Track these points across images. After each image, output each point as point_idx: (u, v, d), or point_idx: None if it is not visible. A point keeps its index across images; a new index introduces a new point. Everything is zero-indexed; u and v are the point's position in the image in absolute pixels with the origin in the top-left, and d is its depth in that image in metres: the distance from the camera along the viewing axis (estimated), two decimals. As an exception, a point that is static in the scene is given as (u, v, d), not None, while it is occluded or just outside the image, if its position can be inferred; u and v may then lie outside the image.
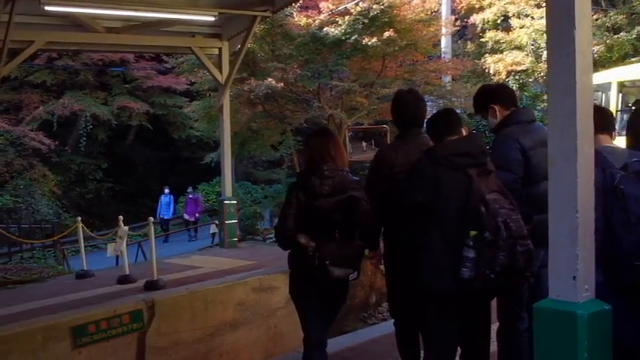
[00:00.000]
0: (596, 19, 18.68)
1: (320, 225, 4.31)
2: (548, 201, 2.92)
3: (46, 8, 9.71)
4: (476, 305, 3.90)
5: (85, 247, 12.00)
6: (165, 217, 25.63)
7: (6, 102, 26.12)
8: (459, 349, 4.08)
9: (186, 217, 25.82)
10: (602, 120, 3.51)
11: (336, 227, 4.36)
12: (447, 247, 3.67)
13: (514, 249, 3.56)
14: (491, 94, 4.49)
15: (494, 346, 4.26)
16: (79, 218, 11.91)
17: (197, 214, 25.89)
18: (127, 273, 9.95)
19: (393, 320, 4.81)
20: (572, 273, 2.79)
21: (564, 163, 2.84)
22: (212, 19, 11.28)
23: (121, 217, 10.44)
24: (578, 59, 2.82)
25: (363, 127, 16.06)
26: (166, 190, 25.34)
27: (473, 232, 3.56)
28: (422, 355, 4.37)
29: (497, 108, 4.32)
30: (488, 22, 21.39)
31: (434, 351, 4.04)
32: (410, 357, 4.61)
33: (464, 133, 3.98)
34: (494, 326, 4.27)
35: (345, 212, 4.31)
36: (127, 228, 10.49)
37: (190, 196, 25.20)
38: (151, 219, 10.10)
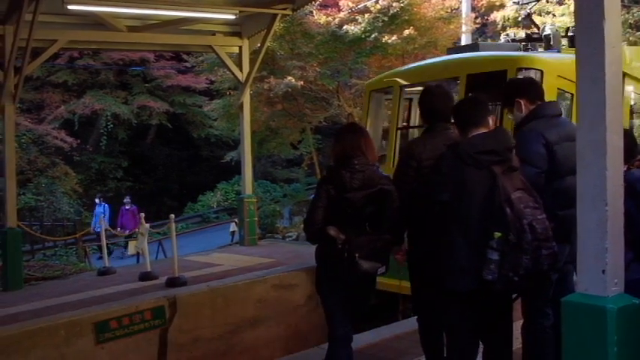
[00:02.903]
0: (619, 16, 18.45)
1: (350, 218, 4.31)
2: (577, 194, 2.88)
3: (69, 7, 9.80)
4: (498, 303, 3.87)
5: (106, 244, 12.11)
6: (98, 230, 20.80)
7: (28, 101, 26.39)
8: (481, 344, 4.06)
9: (118, 230, 18.99)
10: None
11: (366, 220, 4.35)
12: (470, 247, 3.63)
13: (539, 252, 3.52)
14: (517, 88, 4.46)
15: (518, 343, 4.23)
16: (103, 216, 12.01)
17: (131, 229, 19.33)
18: (149, 270, 10.01)
19: (415, 317, 4.78)
20: (602, 267, 2.76)
21: (593, 156, 2.81)
22: (232, 17, 11.32)
23: (142, 215, 10.51)
24: (607, 51, 2.78)
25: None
26: (97, 200, 21.50)
27: (497, 234, 3.52)
28: (445, 351, 4.35)
29: (522, 102, 4.28)
30: (508, 19, 21.23)
31: (456, 348, 4.02)
32: (433, 354, 4.58)
33: (491, 123, 3.94)
34: (519, 323, 4.24)
35: (375, 205, 4.30)
36: (148, 225, 10.56)
37: (127, 207, 21.01)
38: (172, 216, 10.16)
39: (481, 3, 22.27)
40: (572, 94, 7.50)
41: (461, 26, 18.53)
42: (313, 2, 13.89)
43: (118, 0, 10.57)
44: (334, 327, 4.51)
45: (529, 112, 4.24)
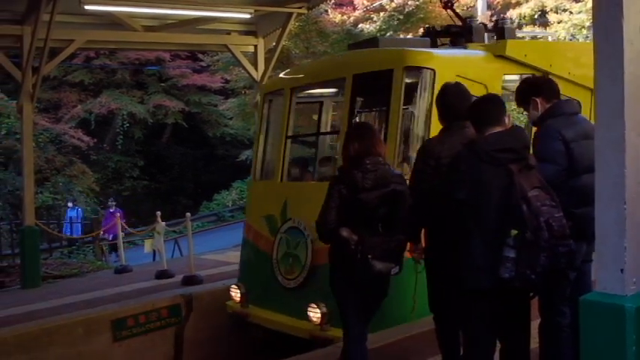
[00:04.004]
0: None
1: (363, 218, 4.31)
2: (595, 192, 2.86)
3: (86, 7, 9.88)
4: (516, 301, 3.85)
5: (122, 242, 12.19)
6: (68, 233, 19.60)
7: (45, 101, 26.61)
8: (498, 343, 4.04)
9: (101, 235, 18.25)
10: None
11: (379, 221, 4.34)
12: (486, 245, 3.62)
13: (556, 250, 3.50)
14: (533, 87, 4.42)
15: (535, 342, 4.21)
16: (119, 215, 12.09)
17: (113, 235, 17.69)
18: (165, 268, 10.07)
19: (432, 316, 4.77)
20: (620, 265, 2.74)
21: (611, 153, 2.78)
22: (248, 16, 11.35)
23: (158, 213, 10.58)
24: (626, 48, 2.76)
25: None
26: (70, 204, 20.40)
27: (514, 232, 3.51)
28: (462, 350, 4.33)
29: (539, 100, 4.25)
30: (525, 17, 21.12)
31: (473, 347, 4.00)
32: (450, 353, 4.57)
33: (507, 122, 3.92)
34: (536, 322, 4.22)
35: (389, 206, 4.29)
36: (164, 224, 10.62)
37: (111, 210, 19.29)
38: (188, 215, 10.23)
39: (497, 1, 22.17)
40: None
41: (477, 24, 18.45)
42: (328, 1, 13.90)
43: (134, 0, 10.63)
44: (349, 326, 4.52)
45: (546, 110, 4.22)
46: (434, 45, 7.53)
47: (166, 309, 8.10)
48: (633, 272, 2.75)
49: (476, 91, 6.66)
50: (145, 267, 11.81)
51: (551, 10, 20.25)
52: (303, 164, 8.28)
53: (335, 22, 16.25)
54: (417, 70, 6.51)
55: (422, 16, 15.44)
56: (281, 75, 9.13)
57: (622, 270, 2.73)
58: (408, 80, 6.51)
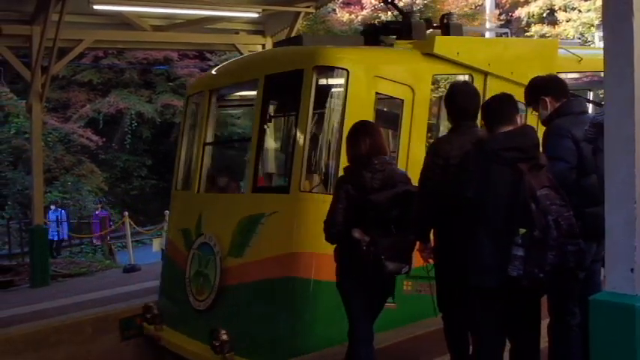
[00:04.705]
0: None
1: (375, 219, 4.28)
2: (605, 191, 2.85)
3: (95, 7, 9.91)
4: (525, 301, 3.84)
5: (131, 242, 12.23)
6: (55, 239, 18.09)
7: (54, 100, 26.71)
8: (507, 342, 4.03)
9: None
10: None
11: (392, 221, 4.32)
12: (495, 244, 3.61)
13: (564, 248, 3.48)
14: (542, 86, 4.40)
15: (544, 342, 4.19)
16: (127, 214, 12.13)
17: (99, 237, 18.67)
18: (173, 267, 10.07)
19: (440, 315, 4.76)
20: (630, 265, 2.72)
21: (621, 153, 2.77)
22: (256, 15, 11.37)
23: (167, 212, 10.59)
24: (636, 46, 2.74)
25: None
26: (52, 207, 19.27)
27: (522, 230, 3.49)
28: (470, 349, 4.32)
29: (548, 100, 4.24)
30: (533, 15, 21.08)
31: (483, 346, 4.00)
32: (458, 352, 4.55)
33: (519, 121, 3.91)
34: (545, 322, 4.20)
35: (402, 207, 4.28)
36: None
37: (97, 212, 19.70)
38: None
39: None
40: (402, 100, 6.22)
41: (485, 23, 18.43)
42: (336, 0, 13.89)
43: (143, 0, 10.66)
44: (356, 327, 4.51)
45: (555, 109, 4.21)
46: (375, 43, 6.94)
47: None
48: (643, 272, 2.74)
49: (399, 94, 6.22)
50: (153, 266, 11.82)
51: (559, 8, 20.19)
52: (229, 174, 7.64)
53: (343, 21, 16.24)
54: (329, 70, 6.02)
55: (430, 14, 15.37)
56: (202, 75, 8.67)
57: (632, 270, 2.72)
58: (320, 81, 5.99)
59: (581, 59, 7.77)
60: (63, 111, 27.25)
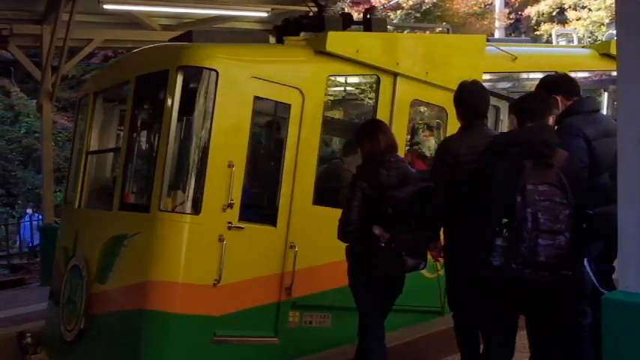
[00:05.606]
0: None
1: (393, 216, 4.28)
2: (617, 190, 2.84)
3: (105, 7, 9.95)
4: (534, 300, 3.81)
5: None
6: (37, 243, 16.83)
7: (64, 100, 26.81)
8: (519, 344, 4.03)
9: None
10: None
11: (412, 218, 4.32)
12: (488, 236, 3.62)
13: (535, 241, 3.46)
14: (553, 85, 4.39)
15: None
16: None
17: None
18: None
19: (451, 314, 4.75)
20: (643, 264, 2.72)
21: (634, 150, 2.76)
22: (265, 14, 11.38)
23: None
24: (649, 44, 2.73)
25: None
26: (29, 210, 18.66)
27: (505, 220, 3.50)
28: (481, 348, 4.32)
29: (559, 99, 4.23)
30: (543, 14, 20.95)
31: (492, 344, 4.00)
32: (468, 350, 4.55)
33: (551, 120, 3.92)
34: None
35: (422, 203, 4.28)
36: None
37: None
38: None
39: (515, -2, 22.04)
40: (289, 105, 5.52)
41: (494, 22, 18.38)
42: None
43: (152, -1, 10.71)
44: (369, 323, 4.51)
45: (566, 108, 4.20)
46: (280, 41, 6.18)
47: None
48: (656, 271, 2.73)
49: (285, 98, 5.47)
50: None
51: (569, 7, 20.08)
52: (108, 187, 6.54)
53: (352, 20, 16.23)
54: (195, 71, 5.29)
55: (439, 14, 15.38)
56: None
57: (645, 269, 2.71)
58: (185, 84, 5.29)
59: (516, 58, 6.95)
60: (72, 110, 27.36)
